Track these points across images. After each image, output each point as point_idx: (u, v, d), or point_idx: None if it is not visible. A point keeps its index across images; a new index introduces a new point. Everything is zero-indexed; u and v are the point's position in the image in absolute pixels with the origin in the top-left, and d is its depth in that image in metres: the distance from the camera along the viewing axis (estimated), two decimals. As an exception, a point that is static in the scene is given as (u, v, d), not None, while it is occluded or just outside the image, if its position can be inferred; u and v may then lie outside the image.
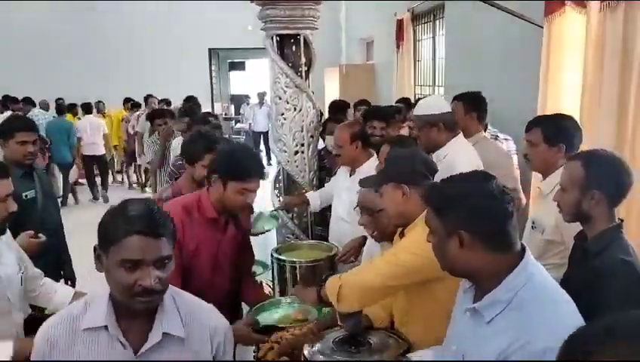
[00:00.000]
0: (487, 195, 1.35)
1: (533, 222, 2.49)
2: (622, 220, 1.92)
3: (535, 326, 1.24)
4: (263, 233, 3.41)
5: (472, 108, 3.49)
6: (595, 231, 1.88)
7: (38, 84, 10.47)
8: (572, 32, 3.35)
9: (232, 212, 2.30)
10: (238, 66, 17.46)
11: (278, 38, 3.63)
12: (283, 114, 3.64)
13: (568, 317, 1.27)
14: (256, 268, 3.03)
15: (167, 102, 9.28)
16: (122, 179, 10.56)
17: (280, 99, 3.63)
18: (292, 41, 3.66)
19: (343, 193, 3.23)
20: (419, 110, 3.02)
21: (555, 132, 2.44)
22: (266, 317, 2.35)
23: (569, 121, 2.53)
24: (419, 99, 5.10)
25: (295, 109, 3.63)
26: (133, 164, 10.07)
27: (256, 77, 17.43)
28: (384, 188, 2.06)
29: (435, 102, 3.07)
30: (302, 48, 3.63)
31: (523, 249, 1.39)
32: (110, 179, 10.03)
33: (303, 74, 3.65)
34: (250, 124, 12.91)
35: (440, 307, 1.78)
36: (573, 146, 2.45)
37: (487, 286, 1.36)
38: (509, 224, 1.35)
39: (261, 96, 12.61)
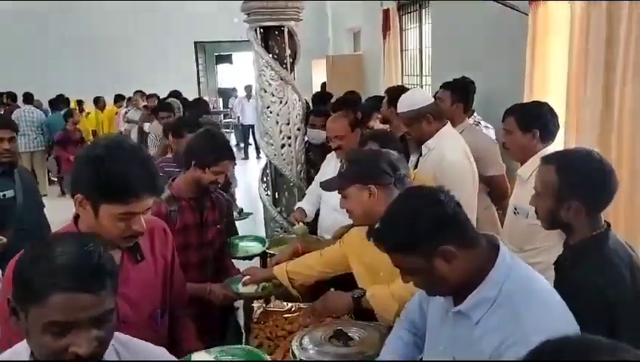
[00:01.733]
0: (431, 202, 1.32)
1: (515, 208, 2.51)
2: (608, 224, 1.74)
3: (526, 321, 1.22)
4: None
5: (459, 97, 3.53)
6: (576, 240, 1.74)
7: (23, 80, 10.33)
8: (557, 20, 3.35)
9: (115, 244, 1.55)
10: (225, 59, 17.37)
11: (262, 30, 3.59)
12: (269, 107, 3.61)
13: (555, 306, 1.28)
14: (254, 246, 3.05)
15: (158, 98, 9.21)
16: None
17: (265, 92, 3.60)
18: (276, 33, 3.62)
19: None
20: (403, 107, 2.98)
21: (527, 118, 2.49)
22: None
23: (542, 108, 2.56)
24: (389, 90, 5.02)
25: (281, 102, 3.59)
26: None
27: (244, 70, 17.37)
28: (349, 190, 2.00)
29: (418, 96, 3.04)
30: (286, 40, 3.59)
31: (494, 242, 1.37)
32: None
33: (288, 66, 3.61)
34: (238, 117, 12.84)
35: None
36: (547, 131, 2.51)
37: (467, 287, 1.33)
38: (462, 214, 1.34)
39: (249, 89, 12.52)
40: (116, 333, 1.22)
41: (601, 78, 2.89)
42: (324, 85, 8.46)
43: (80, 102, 10.21)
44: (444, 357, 1.40)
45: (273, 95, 3.58)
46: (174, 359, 1.40)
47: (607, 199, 1.70)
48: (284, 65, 3.59)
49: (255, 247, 3.05)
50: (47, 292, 1.01)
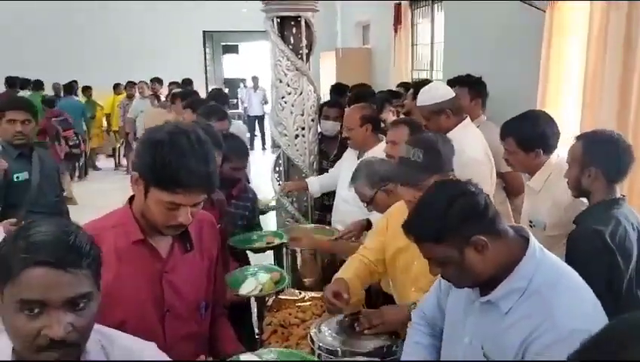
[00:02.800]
0: (463, 193, 1.33)
1: (531, 221, 2.49)
2: (624, 195, 2.06)
3: (556, 310, 1.24)
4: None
5: (476, 94, 3.53)
6: (590, 205, 2.07)
7: (31, 66, 10.32)
8: (575, 20, 3.35)
9: (160, 230, 1.52)
10: (232, 49, 17.34)
11: (278, 20, 3.60)
12: (284, 97, 3.62)
13: (585, 296, 1.29)
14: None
15: (159, 82, 9.25)
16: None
17: (281, 82, 3.61)
18: (292, 23, 3.62)
19: (348, 177, 3.19)
20: (424, 100, 2.97)
21: (529, 139, 2.41)
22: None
23: (540, 124, 2.44)
24: (416, 83, 5.09)
25: (296, 92, 3.60)
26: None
27: (250, 60, 17.36)
28: (427, 182, 1.85)
29: (439, 90, 3.03)
30: (303, 30, 3.59)
31: (524, 235, 1.39)
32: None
33: (304, 57, 3.62)
34: (245, 108, 12.83)
35: None
36: (549, 146, 2.43)
37: (495, 278, 1.34)
38: (492, 207, 1.35)
39: (256, 80, 12.53)
40: (102, 328, 1.18)
41: (618, 79, 2.90)
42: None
43: (87, 88, 10.21)
44: (471, 349, 1.41)
45: (288, 85, 3.59)
46: (164, 355, 1.35)
47: (623, 171, 2.02)
48: (299, 56, 3.60)
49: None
50: (21, 268, 0.98)
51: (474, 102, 3.48)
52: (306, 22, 3.59)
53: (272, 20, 3.57)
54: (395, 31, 7.28)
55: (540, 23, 3.58)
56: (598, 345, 0.74)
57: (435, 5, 6.60)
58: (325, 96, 5.46)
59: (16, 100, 3.11)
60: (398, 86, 5.64)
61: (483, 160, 2.82)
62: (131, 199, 1.55)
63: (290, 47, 3.58)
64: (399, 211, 2.13)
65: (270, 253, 3.06)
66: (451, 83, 3.70)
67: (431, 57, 6.84)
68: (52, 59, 10.79)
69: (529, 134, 2.41)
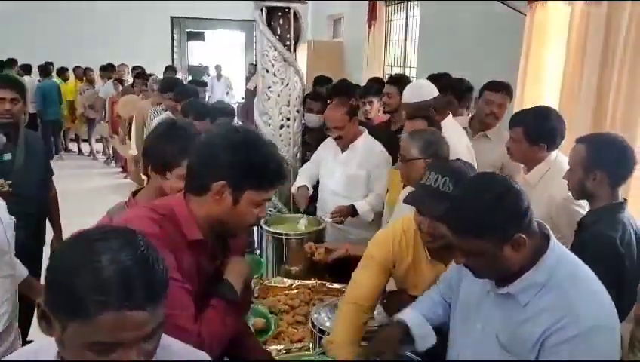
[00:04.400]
0: (510, 190, 1.32)
1: None
2: (625, 199, 2.08)
3: (575, 305, 1.27)
4: None
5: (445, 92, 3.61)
6: (597, 207, 2.07)
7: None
8: (555, 21, 3.47)
9: (232, 232, 1.52)
10: (197, 36, 17.03)
11: (266, 10, 3.60)
12: (270, 87, 3.62)
13: (601, 293, 1.34)
14: None
15: (142, 71, 9.01)
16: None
17: (267, 72, 3.61)
18: (280, 14, 3.63)
19: (336, 169, 3.20)
20: (409, 97, 3.03)
21: (537, 132, 2.47)
22: None
23: (551, 120, 2.50)
24: (392, 79, 5.16)
25: (282, 83, 3.61)
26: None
27: (216, 48, 17.11)
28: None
29: (425, 88, 3.10)
30: (291, 22, 3.60)
31: (544, 230, 1.41)
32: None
33: (291, 47, 3.64)
34: (209, 97, 12.65)
35: None
36: (555, 143, 2.50)
37: (514, 271, 1.36)
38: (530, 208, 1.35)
39: (219, 68, 12.38)
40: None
41: (596, 78, 3.02)
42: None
43: (63, 70, 9.95)
44: (484, 336, 1.44)
45: (275, 75, 3.60)
46: None
47: (626, 174, 2.04)
48: (287, 47, 3.61)
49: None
50: (95, 312, 0.85)
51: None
52: (294, 13, 3.60)
53: (261, 10, 3.57)
54: (369, 26, 7.35)
55: (518, 24, 3.69)
56: None
57: (410, 3, 6.70)
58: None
59: (4, 78, 2.96)
60: (369, 81, 5.64)
61: (465, 153, 2.91)
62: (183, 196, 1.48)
63: (277, 37, 3.59)
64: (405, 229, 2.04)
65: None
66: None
67: (404, 54, 6.94)
68: (19, 42, 10.41)
69: (539, 128, 2.47)
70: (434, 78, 3.84)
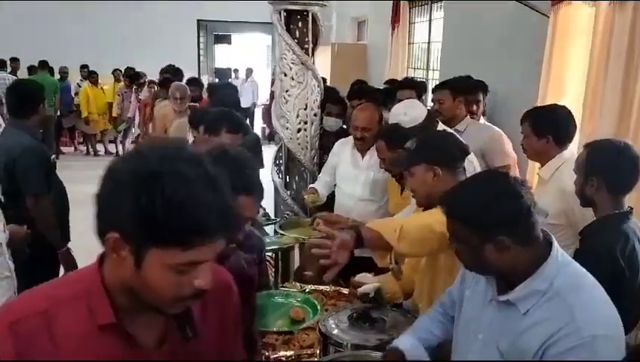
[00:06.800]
0: (513, 194, 1.32)
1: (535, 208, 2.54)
2: (631, 208, 2.01)
3: (577, 314, 1.25)
4: None
5: (458, 93, 3.64)
6: (600, 216, 2.02)
7: (21, 48, 10.22)
8: (578, 23, 3.39)
9: (158, 307, 1.02)
10: (224, 39, 17.23)
11: (285, 14, 3.61)
12: (288, 90, 3.63)
13: (605, 302, 1.30)
14: None
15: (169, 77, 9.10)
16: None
17: (285, 75, 3.62)
18: (298, 17, 3.64)
19: (360, 175, 3.15)
20: (395, 120, 2.88)
21: (541, 124, 2.52)
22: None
23: (556, 112, 2.56)
24: (405, 79, 5.16)
25: (300, 86, 3.62)
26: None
27: (242, 51, 17.30)
28: (415, 169, 2.02)
29: (414, 112, 2.88)
30: (309, 25, 3.61)
31: (548, 238, 1.39)
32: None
33: (309, 51, 3.64)
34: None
35: None
36: (562, 136, 2.51)
37: (515, 278, 1.35)
38: (534, 215, 1.34)
39: (250, 71, 12.49)
40: None
41: (620, 81, 2.94)
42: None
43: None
44: (485, 347, 1.42)
45: (293, 79, 3.61)
46: None
47: (627, 182, 1.98)
48: (304, 50, 3.62)
49: None
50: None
51: (457, 101, 3.61)
52: (312, 16, 3.60)
53: (279, 13, 3.58)
54: (393, 28, 7.30)
55: (541, 25, 3.62)
56: None
57: (434, 5, 6.64)
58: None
59: None
60: (385, 83, 5.62)
61: None
62: (101, 260, 1.05)
63: (296, 40, 3.60)
64: None
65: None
66: (438, 86, 3.94)
67: (427, 56, 6.88)
68: (48, 44, 10.66)
69: (544, 120, 2.53)
70: (455, 81, 3.84)
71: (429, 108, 3.66)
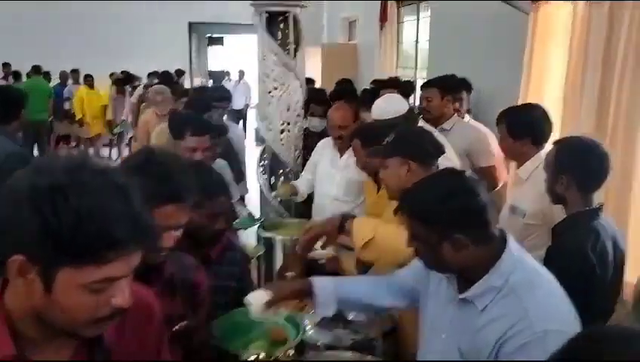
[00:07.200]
0: (469, 192, 1.33)
1: (513, 208, 2.54)
2: (601, 205, 2.02)
3: (531, 310, 1.26)
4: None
5: (447, 91, 3.64)
6: (570, 213, 2.02)
7: (16, 52, 10.24)
8: (559, 22, 3.40)
9: (83, 333, 0.95)
10: (217, 42, 17.24)
11: (267, 15, 3.61)
12: (270, 92, 3.63)
13: (560, 298, 1.31)
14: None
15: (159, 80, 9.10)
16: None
17: (268, 77, 3.62)
18: (280, 18, 3.64)
19: (336, 174, 3.17)
20: (379, 114, 2.91)
21: (517, 126, 2.50)
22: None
23: (532, 113, 2.53)
24: (389, 79, 5.19)
25: (282, 88, 3.62)
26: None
27: (235, 53, 17.30)
28: (390, 161, 2.04)
29: (394, 105, 2.92)
30: (291, 26, 3.61)
31: (503, 234, 1.40)
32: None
33: (291, 52, 3.64)
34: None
35: None
36: (538, 137, 2.49)
37: (473, 276, 1.36)
38: (490, 213, 1.35)
39: (242, 73, 12.50)
40: None
41: (599, 78, 2.96)
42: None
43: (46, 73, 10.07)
44: (447, 346, 1.42)
45: (275, 80, 3.61)
46: None
47: (596, 179, 1.98)
48: (287, 52, 3.62)
49: None
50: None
51: (445, 100, 3.61)
52: (294, 18, 3.61)
53: (261, 15, 3.59)
54: (381, 28, 7.31)
55: (524, 24, 3.63)
56: (572, 351, 0.78)
57: (422, 4, 6.65)
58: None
59: None
60: (371, 83, 5.58)
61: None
62: (3, 286, 0.94)
63: (278, 42, 3.60)
64: None
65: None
66: (425, 85, 3.95)
67: (415, 55, 6.90)
68: (38, 48, 10.65)
69: (519, 121, 2.51)
70: (442, 79, 3.84)
71: (413, 106, 3.69)
